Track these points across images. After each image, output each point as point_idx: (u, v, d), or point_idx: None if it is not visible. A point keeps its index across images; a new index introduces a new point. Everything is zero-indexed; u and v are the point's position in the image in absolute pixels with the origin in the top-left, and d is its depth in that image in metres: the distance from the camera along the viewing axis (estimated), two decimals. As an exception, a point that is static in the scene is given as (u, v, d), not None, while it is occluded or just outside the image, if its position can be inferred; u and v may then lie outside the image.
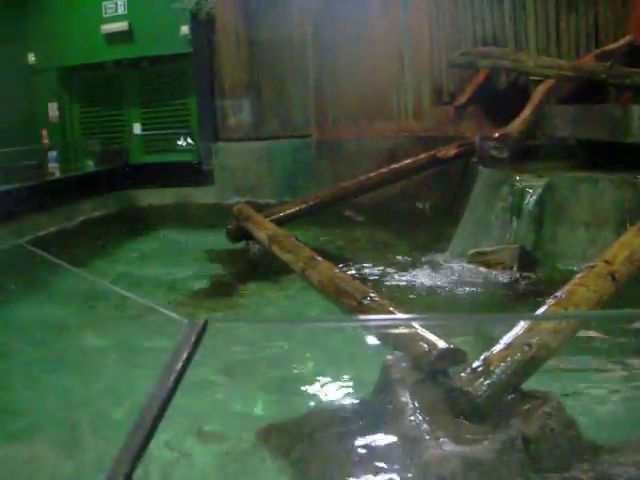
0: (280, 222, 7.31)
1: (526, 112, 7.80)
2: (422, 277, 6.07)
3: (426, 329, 3.29)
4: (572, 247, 5.77)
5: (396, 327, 3.54)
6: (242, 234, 7.42)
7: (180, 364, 1.46)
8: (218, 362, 4.09)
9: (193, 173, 10.76)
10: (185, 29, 10.77)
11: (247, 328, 4.64)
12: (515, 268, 5.71)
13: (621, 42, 9.55)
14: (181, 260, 7.66)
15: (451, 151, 7.74)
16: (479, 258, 5.93)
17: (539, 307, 3.58)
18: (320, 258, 5.45)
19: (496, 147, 7.19)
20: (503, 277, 5.68)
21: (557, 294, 3.62)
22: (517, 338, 3.10)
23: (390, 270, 6.42)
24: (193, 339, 1.53)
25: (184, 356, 1.48)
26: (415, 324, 3.43)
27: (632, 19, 11.00)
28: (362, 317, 3.93)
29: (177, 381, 1.41)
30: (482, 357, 3.04)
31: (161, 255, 8.04)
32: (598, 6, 10.29)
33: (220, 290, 6.36)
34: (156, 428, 1.34)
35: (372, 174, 8.18)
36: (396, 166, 8.13)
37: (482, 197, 6.58)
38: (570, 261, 5.54)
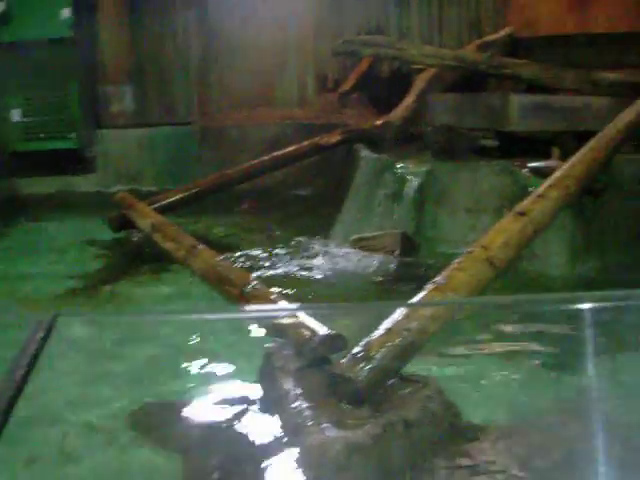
0: (163, 210, 7.16)
1: (408, 100, 7.90)
2: (305, 263, 6.07)
3: (308, 316, 3.29)
4: (453, 232, 5.88)
5: (277, 314, 3.53)
6: (124, 223, 7.22)
7: (27, 360, 1.38)
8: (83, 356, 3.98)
9: (75, 161, 10.42)
10: (66, 12, 10.38)
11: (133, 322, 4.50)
12: (397, 253, 5.77)
13: (502, 33, 9.80)
14: (57, 253, 7.35)
15: (334, 138, 7.75)
16: (361, 244, 5.98)
17: (420, 291, 3.61)
18: (202, 246, 5.37)
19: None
20: (385, 262, 5.74)
21: (436, 279, 3.66)
22: (396, 323, 3.11)
23: (273, 257, 6.39)
24: (41, 335, 1.45)
25: (31, 352, 1.41)
26: (297, 311, 3.44)
27: (512, 11, 11.32)
28: (240, 309, 3.88)
29: (24, 378, 1.34)
30: (362, 343, 3.05)
31: (36, 248, 7.70)
32: (479, -3, 10.55)
33: (95, 283, 6.13)
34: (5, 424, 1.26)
35: (255, 162, 8.12)
36: (279, 153, 8.08)
37: (364, 184, 6.63)
38: (451, 246, 5.63)
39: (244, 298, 4.18)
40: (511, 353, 4.13)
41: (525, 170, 5.69)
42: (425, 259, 5.79)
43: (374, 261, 5.80)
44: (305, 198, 8.73)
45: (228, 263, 5.12)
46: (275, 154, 8.16)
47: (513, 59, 7.43)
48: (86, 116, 10.51)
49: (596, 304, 2.07)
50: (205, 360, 4.04)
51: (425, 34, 10.19)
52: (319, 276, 5.74)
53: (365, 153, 7.03)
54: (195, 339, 4.37)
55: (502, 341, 4.27)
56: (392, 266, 5.70)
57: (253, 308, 3.72)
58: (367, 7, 10.26)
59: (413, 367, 3.15)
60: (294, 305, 4.65)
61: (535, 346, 4.23)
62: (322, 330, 3.19)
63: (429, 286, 3.61)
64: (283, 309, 3.94)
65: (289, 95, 10.08)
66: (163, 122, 10.43)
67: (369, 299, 5.20)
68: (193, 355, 4.11)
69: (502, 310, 4.14)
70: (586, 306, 2.09)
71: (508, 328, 4.42)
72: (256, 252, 6.59)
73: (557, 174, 4.76)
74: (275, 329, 3.59)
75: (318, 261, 6.12)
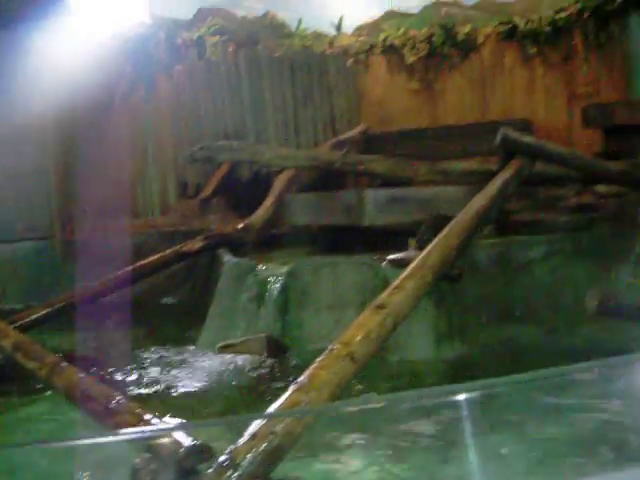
0: (26, 328, 6.86)
1: (268, 202, 7.96)
2: (171, 374, 5.89)
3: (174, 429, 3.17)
4: (318, 330, 5.87)
5: (143, 429, 3.38)
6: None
7: None
8: None
9: None
10: None
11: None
12: (264, 357, 5.70)
13: (355, 131, 10.11)
14: None
15: (197, 244, 7.68)
16: (228, 350, 5.88)
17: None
18: (65, 364, 5.15)
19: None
20: (252, 367, 5.64)
21: (299, 379, 3.60)
22: (261, 428, 3.06)
23: (139, 370, 6.19)
24: None
25: None
26: (161, 424, 3.31)
27: (366, 108, 11.73)
28: (103, 432, 3.72)
29: None
30: (228, 451, 2.99)
31: None
32: (333, 97, 10.88)
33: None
34: None
35: (119, 272, 7.93)
36: (143, 263, 7.94)
37: (228, 288, 6.57)
38: (317, 344, 5.58)
39: (109, 414, 4.01)
40: (388, 449, 4.06)
41: (384, 263, 5.76)
42: (293, 359, 5.73)
43: (241, 367, 5.69)
44: (172, 307, 8.57)
45: (91, 379, 4.91)
46: (139, 264, 8.00)
47: (367, 155, 7.63)
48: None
49: (467, 394, 2.06)
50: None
51: (281, 136, 10.38)
52: (185, 386, 5.57)
53: (227, 258, 6.99)
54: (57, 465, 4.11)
55: (377, 438, 4.20)
56: (260, 370, 5.61)
57: (119, 427, 3.58)
58: (224, 113, 10.40)
59: (285, 468, 3.07)
60: (159, 419, 4.48)
61: (412, 440, 4.18)
62: (187, 441, 3.07)
63: (292, 387, 3.55)
64: (149, 424, 3.78)
65: (150, 203, 10.00)
66: (24, 237, 10.13)
67: (237, 406, 5.07)
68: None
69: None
70: (461, 397, 2.08)
71: (382, 424, 4.36)
72: (121, 365, 6.36)
73: (413, 265, 4.83)
74: (141, 444, 3.42)
75: (184, 371, 5.95)
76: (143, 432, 3.47)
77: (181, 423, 4.58)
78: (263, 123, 10.43)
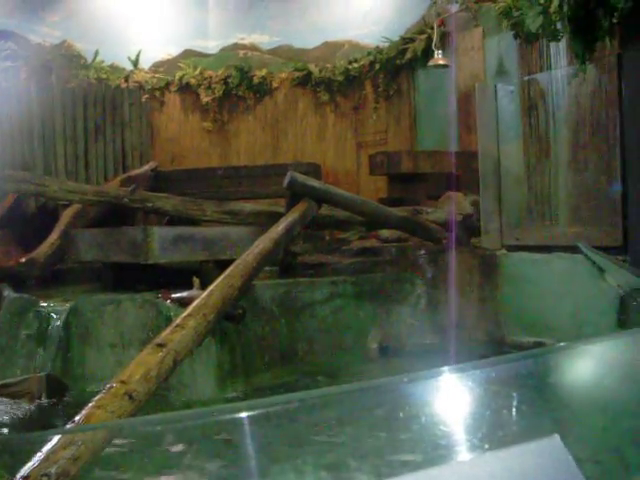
0: None
1: (53, 236, 7.77)
2: None
3: None
4: (100, 369, 5.78)
5: None
6: None
7: None
8: None
9: None
10: None
11: None
12: (43, 397, 5.54)
13: (145, 167, 10.10)
14: None
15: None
16: (4, 391, 5.65)
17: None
18: None
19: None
20: (30, 408, 5.46)
21: (75, 419, 3.56)
22: (34, 469, 2.96)
23: None
24: None
25: None
26: None
27: (158, 145, 11.75)
28: None
29: None
30: None
31: None
32: (125, 132, 10.82)
33: None
34: None
35: None
36: None
37: (7, 325, 6.33)
38: (99, 384, 5.48)
39: None
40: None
41: (168, 301, 5.79)
42: (75, 399, 5.60)
43: (18, 408, 5.48)
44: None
45: None
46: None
47: (155, 193, 7.65)
48: None
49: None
50: None
51: (71, 169, 10.20)
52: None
53: (7, 292, 6.73)
54: None
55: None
56: (38, 411, 5.43)
57: None
58: (13, 144, 10.07)
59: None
60: None
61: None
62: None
63: (68, 427, 3.51)
64: None
65: None
66: None
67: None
68: None
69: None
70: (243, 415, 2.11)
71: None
72: None
73: (195, 303, 4.90)
74: None
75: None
76: None
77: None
78: (52, 155, 10.21)
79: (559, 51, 7.74)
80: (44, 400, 5.55)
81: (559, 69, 7.36)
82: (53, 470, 3.03)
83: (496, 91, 7.11)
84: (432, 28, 10.34)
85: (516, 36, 7.60)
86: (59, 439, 3.44)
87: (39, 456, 3.06)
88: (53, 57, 11.55)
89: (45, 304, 6.13)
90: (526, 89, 7.12)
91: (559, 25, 6.16)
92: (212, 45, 13.05)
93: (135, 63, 12.28)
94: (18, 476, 2.97)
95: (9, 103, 10.15)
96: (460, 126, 10.25)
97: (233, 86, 12.45)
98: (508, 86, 7.45)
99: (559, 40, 6.56)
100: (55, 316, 5.94)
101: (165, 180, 9.56)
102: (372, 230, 8.50)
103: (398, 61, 11.29)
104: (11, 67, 10.96)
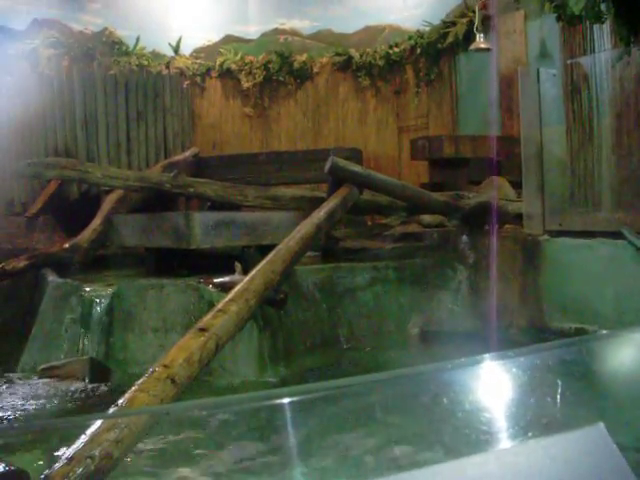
0: None
1: (96, 222, 7.84)
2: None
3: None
4: (142, 353, 5.84)
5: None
6: None
7: None
8: None
9: None
10: None
11: None
12: (87, 380, 5.61)
13: (187, 153, 10.15)
14: None
15: (21, 263, 7.46)
16: (50, 373, 5.74)
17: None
18: None
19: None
20: (75, 390, 5.54)
21: (118, 402, 3.60)
22: (78, 451, 3.00)
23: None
24: None
25: None
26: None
27: (198, 132, 11.80)
28: None
29: None
30: (42, 476, 2.89)
31: None
32: (167, 118, 10.87)
33: None
34: None
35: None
36: (-38, 281, 7.64)
37: (51, 309, 6.41)
38: (142, 367, 5.56)
39: None
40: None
41: (210, 286, 5.83)
42: (118, 383, 5.66)
43: (64, 390, 5.57)
44: (-7, 327, 8.24)
45: None
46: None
47: (197, 179, 7.67)
48: None
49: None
50: None
51: (113, 155, 10.28)
52: (7, 409, 5.39)
53: (52, 277, 6.83)
54: None
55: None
56: (83, 394, 5.51)
57: None
58: (55, 130, 10.18)
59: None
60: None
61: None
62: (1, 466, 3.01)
63: (111, 410, 3.55)
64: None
65: (-27, 220, 9.62)
66: None
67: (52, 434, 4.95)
68: None
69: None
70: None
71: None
72: None
73: (237, 288, 4.92)
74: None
75: (3, 397, 5.75)
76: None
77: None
78: (95, 141, 10.29)
79: (603, 33, 7.59)
80: (88, 383, 5.63)
81: (603, 52, 7.21)
82: (97, 452, 3.06)
83: (538, 75, 7.00)
84: (473, 11, 10.24)
85: (558, 18, 7.45)
86: (102, 422, 3.49)
87: (83, 438, 3.10)
88: (95, 44, 11.63)
89: (88, 289, 6.20)
90: (569, 73, 6.99)
91: (603, 7, 6.04)
92: (252, 30, 13.05)
93: (176, 49, 12.34)
94: (63, 457, 3.02)
95: (52, 91, 10.25)
96: (502, 110, 10.16)
97: (274, 71, 12.46)
98: (551, 70, 7.33)
99: (603, 22, 6.42)
100: (98, 301, 6.01)
101: (206, 166, 9.60)
102: (414, 215, 8.45)
103: (439, 45, 11.21)
104: (54, 55, 11.07)
